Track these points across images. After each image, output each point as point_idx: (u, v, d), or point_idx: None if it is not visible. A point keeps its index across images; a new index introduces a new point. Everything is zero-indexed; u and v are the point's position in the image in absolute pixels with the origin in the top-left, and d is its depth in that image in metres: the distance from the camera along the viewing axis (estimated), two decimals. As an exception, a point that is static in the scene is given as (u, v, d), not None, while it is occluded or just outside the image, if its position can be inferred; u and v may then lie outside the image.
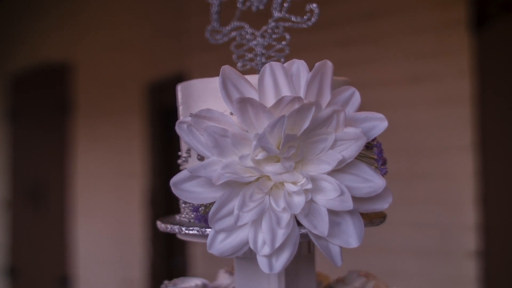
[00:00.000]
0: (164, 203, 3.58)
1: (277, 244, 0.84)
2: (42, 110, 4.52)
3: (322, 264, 1.21)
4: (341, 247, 0.87)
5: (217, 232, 0.87)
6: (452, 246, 2.48)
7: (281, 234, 0.84)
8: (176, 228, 0.95)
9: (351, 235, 0.87)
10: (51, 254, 4.31)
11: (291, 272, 1.00)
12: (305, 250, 1.01)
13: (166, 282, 1.11)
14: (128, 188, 3.74)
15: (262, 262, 0.85)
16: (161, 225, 0.99)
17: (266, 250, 0.85)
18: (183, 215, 1.00)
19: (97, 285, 3.95)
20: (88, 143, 4.07)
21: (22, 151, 4.70)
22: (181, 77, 3.12)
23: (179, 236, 0.99)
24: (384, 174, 0.90)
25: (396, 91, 2.66)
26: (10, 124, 4.83)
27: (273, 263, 0.85)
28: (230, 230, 0.86)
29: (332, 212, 0.86)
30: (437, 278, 2.48)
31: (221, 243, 0.87)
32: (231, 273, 1.19)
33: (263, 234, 0.85)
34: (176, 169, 0.99)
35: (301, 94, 0.88)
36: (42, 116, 4.53)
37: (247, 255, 0.98)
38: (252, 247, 0.85)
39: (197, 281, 1.11)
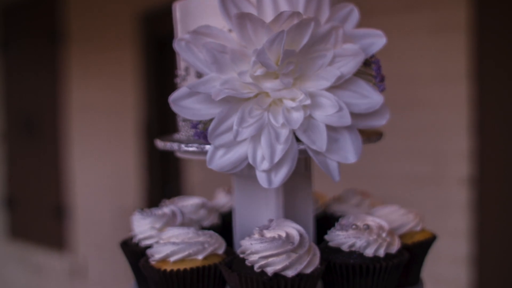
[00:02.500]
0: (158, 133, 3.59)
1: (276, 159, 0.85)
2: (34, 41, 4.47)
3: (319, 184, 1.23)
4: (339, 163, 0.88)
5: (217, 148, 0.87)
6: (445, 172, 2.51)
7: (280, 150, 0.85)
8: (175, 146, 0.95)
9: (349, 150, 0.88)
10: (47, 184, 4.35)
11: (288, 190, 1.01)
12: (302, 168, 1.02)
13: (165, 201, 1.13)
14: (123, 117, 3.74)
15: (261, 177, 0.87)
16: (160, 143, 1.00)
17: (265, 165, 0.86)
18: (182, 134, 1.00)
19: (93, 214, 4.00)
20: (81, 73, 4.05)
21: (14, 82, 4.68)
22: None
23: (178, 154, 1.00)
24: (382, 90, 0.91)
25: (391, 19, 2.64)
26: (1, 56, 4.79)
27: (272, 178, 0.87)
28: (229, 146, 0.87)
29: (330, 128, 0.87)
30: (430, 204, 2.52)
31: (220, 158, 0.88)
32: (229, 192, 1.21)
33: (262, 150, 0.86)
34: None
35: (300, 10, 0.87)
36: (33, 47, 4.48)
37: (245, 173, 0.99)
38: (251, 162, 0.86)
39: (196, 200, 1.13)
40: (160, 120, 3.60)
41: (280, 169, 0.87)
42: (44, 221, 4.41)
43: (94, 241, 4.03)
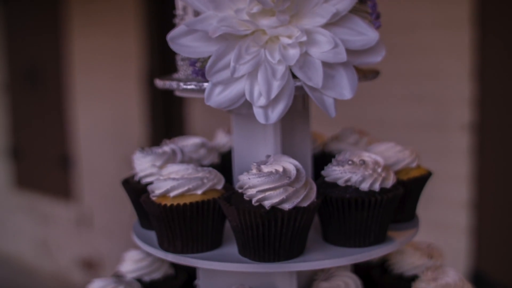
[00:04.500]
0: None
1: (273, 95, 0.87)
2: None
3: (317, 125, 1.25)
4: (335, 99, 0.90)
5: (214, 85, 0.89)
6: (447, 118, 2.52)
7: (276, 86, 0.87)
8: (174, 84, 0.97)
9: (344, 87, 0.89)
10: (51, 134, 4.38)
11: (287, 128, 1.03)
12: (300, 105, 1.03)
13: (166, 140, 1.15)
14: (125, 65, 3.74)
15: (258, 113, 0.88)
16: (159, 82, 1.02)
17: (262, 101, 0.87)
18: (181, 73, 1.02)
19: (98, 163, 4.04)
20: (83, 22, 4.03)
21: (16, 33, 4.66)
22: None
23: (177, 93, 1.02)
24: (377, 27, 0.92)
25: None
26: (2, 7, 4.76)
27: (269, 113, 0.88)
28: (227, 83, 0.89)
29: (326, 65, 0.88)
30: (430, 149, 2.53)
31: (218, 95, 0.89)
32: (228, 132, 1.22)
33: (259, 86, 0.87)
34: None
35: None
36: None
37: (244, 112, 1.01)
38: (248, 98, 0.88)
39: (196, 139, 1.14)
40: (162, 67, 3.60)
41: (276, 105, 0.88)
42: (49, 171, 4.45)
43: (99, 190, 4.08)
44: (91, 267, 4.14)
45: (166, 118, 3.68)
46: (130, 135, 3.81)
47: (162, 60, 3.56)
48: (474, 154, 2.46)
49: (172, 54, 0.97)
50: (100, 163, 4.03)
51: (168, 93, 3.62)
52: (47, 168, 4.49)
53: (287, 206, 0.87)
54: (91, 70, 4.04)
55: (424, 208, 2.41)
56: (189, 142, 1.14)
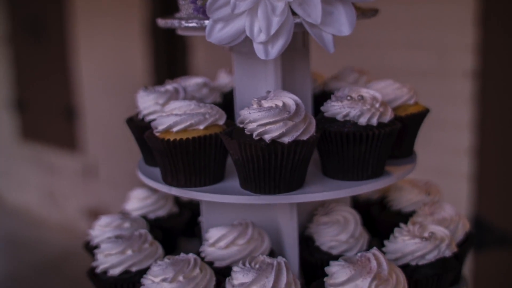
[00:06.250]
0: (163, 32, 3.59)
1: (272, 31, 0.88)
2: None
3: (316, 66, 1.27)
4: (333, 35, 0.91)
5: (215, 22, 0.90)
6: (449, 65, 2.52)
7: (276, 22, 0.88)
8: (175, 22, 0.98)
9: (343, 23, 0.91)
10: (55, 85, 4.38)
11: (287, 67, 1.05)
12: (300, 43, 1.05)
13: (168, 80, 1.17)
14: (129, 16, 3.72)
15: (258, 49, 0.90)
16: (161, 22, 1.03)
17: (262, 37, 0.89)
18: (182, 12, 1.03)
19: (102, 114, 4.06)
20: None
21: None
22: None
23: (179, 31, 1.03)
24: (376, -36, 0.93)
25: None
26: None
27: (269, 49, 0.90)
28: (228, 19, 0.90)
29: (325, 1, 0.89)
30: (433, 96, 2.54)
31: (219, 32, 0.91)
32: (230, 72, 1.24)
33: (259, 22, 0.88)
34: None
35: None
36: None
37: (244, 50, 1.02)
38: (248, 34, 0.89)
39: (199, 79, 1.16)
40: (165, 14, 3.59)
41: (276, 41, 0.90)
42: (54, 122, 4.48)
43: (103, 141, 4.11)
44: (97, 216, 4.20)
45: (170, 67, 3.69)
46: (134, 84, 3.81)
47: (165, 8, 3.54)
48: (476, 101, 2.47)
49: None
50: (105, 114, 4.05)
51: (172, 41, 3.62)
52: (52, 119, 4.51)
53: (286, 140, 0.89)
54: (93, 19, 4.02)
55: (426, 154, 2.44)
56: (192, 81, 1.16)
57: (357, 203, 1.26)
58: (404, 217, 1.17)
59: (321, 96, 1.17)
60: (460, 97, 2.52)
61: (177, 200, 1.32)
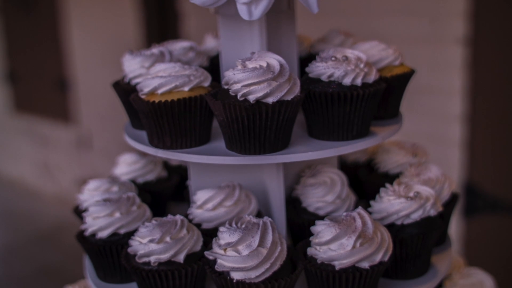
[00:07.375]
0: (154, 1, 3.57)
1: (256, -9, 0.88)
2: None
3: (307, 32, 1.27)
4: (317, -5, 0.91)
5: (199, -18, 0.90)
6: (441, 32, 2.51)
7: (259, -19, 0.88)
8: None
9: (327, -17, 0.91)
10: (47, 57, 4.36)
11: (272, 29, 1.04)
12: (285, 5, 1.04)
13: (155, 44, 1.16)
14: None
15: (242, 10, 0.90)
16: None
17: (245, -3, 0.89)
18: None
19: (95, 85, 4.05)
20: None
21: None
22: None
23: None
24: None
25: None
26: None
27: (252, 10, 0.90)
28: (211, -20, 0.90)
29: (308, -39, 0.89)
30: (425, 63, 2.54)
31: (202, -8, 0.90)
32: (217, 36, 1.24)
33: (242, -18, 0.88)
34: None
35: None
36: None
37: (229, 12, 1.02)
38: (232, -6, 0.89)
39: (185, 43, 1.16)
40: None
41: (259, 2, 0.90)
42: (47, 94, 4.47)
43: (96, 112, 4.10)
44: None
45: (162, 36, 3.67)
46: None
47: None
48: (468, 67, 2.47)
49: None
50: (97, 84, 4.04)
51: (163, 10, 3.60)
52: (44, 91, 4.50)
53: (271, 100, 0.89)
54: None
55: (418, 120, 2.44)
56: (178, 45, 1.15)
57: (345, 166, 1.27)
58: (391, 178, 1.17)
59: (308, 59, 1.16)
60: (452, 63, 2.52)
61: (166, 164, 1.33)
